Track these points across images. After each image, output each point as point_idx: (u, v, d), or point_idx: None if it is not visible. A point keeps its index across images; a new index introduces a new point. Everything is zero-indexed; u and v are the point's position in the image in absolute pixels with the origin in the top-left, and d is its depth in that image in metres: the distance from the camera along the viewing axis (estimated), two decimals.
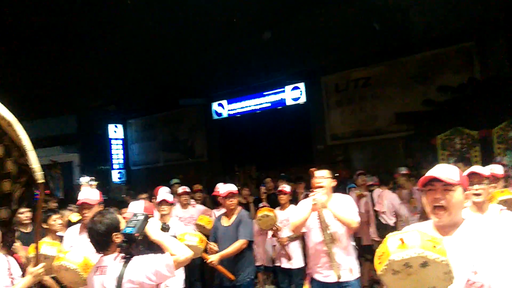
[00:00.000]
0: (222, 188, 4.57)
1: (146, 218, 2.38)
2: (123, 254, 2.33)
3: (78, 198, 3.79)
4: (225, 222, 4.50)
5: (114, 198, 8.85)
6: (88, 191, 4.04)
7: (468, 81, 8.98)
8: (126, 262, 2.28)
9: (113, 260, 2.35)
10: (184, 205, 6.33)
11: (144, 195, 6.28)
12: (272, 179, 7.98)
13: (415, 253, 1.46)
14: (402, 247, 1.47)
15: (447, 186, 1.82)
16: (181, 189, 6.47)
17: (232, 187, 4.54)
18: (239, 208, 4.64)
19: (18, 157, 2.88)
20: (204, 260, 4.26)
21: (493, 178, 3.00)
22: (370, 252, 6.16)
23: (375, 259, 1.60)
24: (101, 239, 2.39)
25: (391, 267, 1.49)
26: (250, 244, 4.37)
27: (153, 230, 2.34)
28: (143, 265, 2.24)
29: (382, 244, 1.58)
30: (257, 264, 6.42)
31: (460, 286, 1.72)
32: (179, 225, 4.97)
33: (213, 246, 4.35)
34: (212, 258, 4.15)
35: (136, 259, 2.28)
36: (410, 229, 1.68)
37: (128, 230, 2.28)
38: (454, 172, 1.88)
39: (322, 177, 3.76)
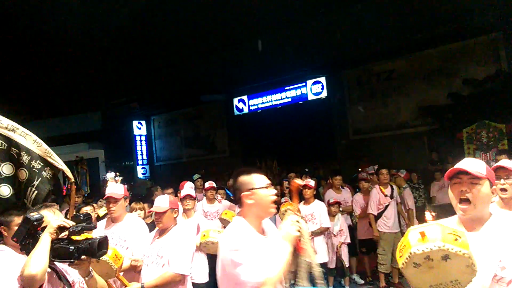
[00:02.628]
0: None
1: (26, 221, 2.14)
2: None
3: (106, 193, 3.89)
4: None
5: (139, 194, 9.00)
6: (114, 185, 4.14)
7: (495, 73, 8.74)
8: None
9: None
10: (211, 200, 6.37)
11: (169, 190, 6.37)
12: (296, 174, 7.97)
13: (436, 246, 1.45)
14: (423, 240, 1.47)
15: (474, 179, 1.80)
16: (207, 184, 6.52)
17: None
18: None
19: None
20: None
21: None
22: (366, 246, 6.35)
23: (397, 252, 1.60)
24: None
25: (412, 260, 1.48)
26: None
27: (44, 233, 2.11)
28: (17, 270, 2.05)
29: (403, 238, 1.58)
30: None
31: (487, 281, 1.70)
32: (203, 219, 5.04)
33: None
34: None
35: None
36: (432, 223, 1.66)
37: (14, 234, 2.14)
38: (481, 166, 1.85)
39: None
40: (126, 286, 3.07)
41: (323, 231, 5.60)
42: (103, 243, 2.15)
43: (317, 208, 5.63)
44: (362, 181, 6.71)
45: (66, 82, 12.48)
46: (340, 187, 6.84)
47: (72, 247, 2.09)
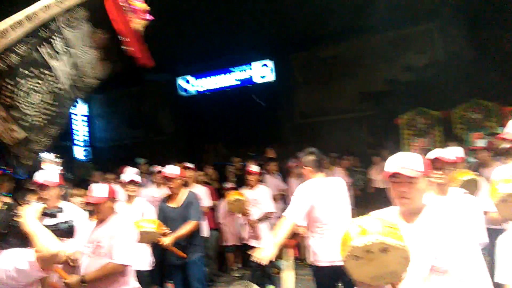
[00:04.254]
0: (171, 170, 4.50)
1: (10, 207, 2.11)
2: None
3: (36, 179, 3.59)
4: (172, 203, 4.49)
5: (79, 176, 8.58)
6: (46, 171, 3.84)
7: (431, 62, 9.17)
8: None
9: None
10: (160, 185, 6.22)
11: (111, 176, 6.12)
12: (241, 158, 7.98)
13: (376, 239, 1.51)
14: (363, 233, 1.51)
15: (412, 179, 1.86)
16: (156, 169, 6.35)
17: (170, 170, 4.50)
18: (186, 189, 4.64)
19: None
20: (157, 243, 4.25)
21: (457, 162, 3.09)
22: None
23: (340, 245, 1.63)
24: None
25: (353, 253, 1.53)
26: (198, 224, 4.47)
27: (26, 220, 2.07)
28: (6, 261, 2.00)
29: (344, 232, 1.61)
30: (228, 244, 6.50)
31: (424, 271, 1.79)
32: (147, 206, 4.91)
33: (165, 229, 4.31)
34: (165, 241, 4.14)
35: (2, 255, 2.03)
36: (371, 216, 1.72)
37: None
38: (417, 162, 1.91)
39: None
40: (65, 279, 2.93)
41: (267, 216, 5.68)
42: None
43: (261, 193, 5.70)
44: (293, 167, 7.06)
45: None
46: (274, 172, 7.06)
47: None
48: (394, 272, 1.56)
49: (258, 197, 5.68)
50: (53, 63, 2.68)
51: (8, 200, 2.22)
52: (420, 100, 8.59)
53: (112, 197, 3.25)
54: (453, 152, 3.23)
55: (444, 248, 1.77)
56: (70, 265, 3.22)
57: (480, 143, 4.99)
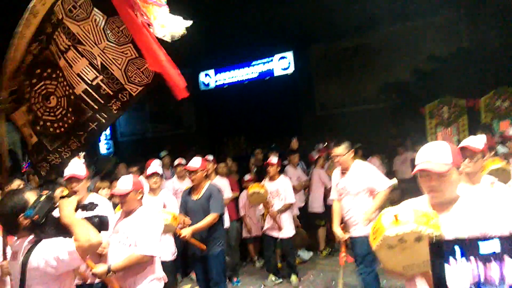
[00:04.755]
0: (194, 163, 4.46)
1: (50, 198, 2.17)
2: (32, 238, 2.15)
3: (65, 173, 3.70)
4: (194, 195, 4.49)
5: (102, 170, 8.75)
6: (74, 165, 3.94)
7: (456, 50, 8.95)
8: (33, 247, 2.09)
9: (22, 245, 2.15)
10: (181, 177, 6.28)
11: (134, 168, 6.21)
12: (262, 150, 7.99)
13: (409, 229, 1.48)
14: (397, 223, 1.49)
15: (438, 175, 1.80)
16: (177, 161, 6.41)
17: (192, 163, 4.44)
18: (208, 181, 4.64)
19: None
20: (177, 235, 4.27)
21: (485, 151, 3.00)
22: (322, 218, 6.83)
23: (370, 234, 1.61)
24: (7, 221, 2.20)
25: (386, 242, 1.51)
26: (220, 217, 4.41)
27: (64, 211, 2.15)
28: (46, 250, 2.05)
29: (376, 220, 1.59)
30: (250, 235, 6.54)
31: None
32: (171, 198, 4.97)
33: (186, 220, 4.35)
34: (185, 233, 4.14)
35: (41, 244, 2.09)
36: (405, 205, 1.68)
37: (28, 212, 2.11)
38: (446, 153, 1.83)
39: (339, 155, 4.30)
40: (92, 268, 2.99)
41: (287, 207, 5.68)
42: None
43: (282, 184, 5.69)
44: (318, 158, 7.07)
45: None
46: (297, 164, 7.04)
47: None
48: (428, 261, 1.53)
49: (279, 188, 5.68)
50: (60, 62, 2.51)
51: (48, 191, 2.29)
52: (445, 89, 8.41)
53: (137, 189, 3.30)
54: (481, 140, 3.13)
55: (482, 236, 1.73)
56: (97, 255, 3.30)
57: (510, 131, 4.84)
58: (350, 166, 4.31)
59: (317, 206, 6.93)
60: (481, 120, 7.73)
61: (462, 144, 2.92)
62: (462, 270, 0.75)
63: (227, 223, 5.76)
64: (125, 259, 3.07)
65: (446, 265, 0.80)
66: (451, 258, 0.76)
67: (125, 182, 3.30)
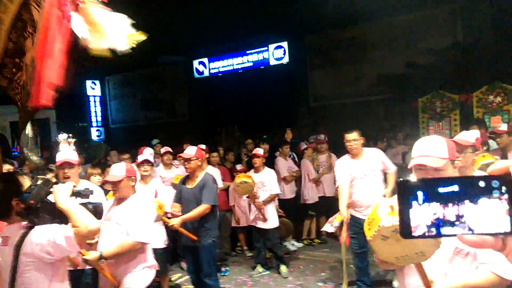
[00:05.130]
0: (188, 151, 4.42)
1: (47, 183, 2.13)
2: (25, 223, 2.11)
3: (58, 158, 3.68)
4: (189, 184, 4.45)
5: (94, 157, 8.70)
6: (67, 151, 3.94)
7: (451, 45, 8.98)
8: (26, 233, 2.05)
9: (15, 230, 2.11)
10: (167, 165, 6.27)
11: (126, 156, 6.19)
12: (254, 141, 8.01)
13: None
14: (392, 213, 1.49)
15: (437, 168, 1.82)
16: (163, 149, 6.39)
17: (188, 151, 4.42)
18: (203, 171, 4.60)
19: None
20: (166, 224, 4.26)
21: (476, 145, 3.03)
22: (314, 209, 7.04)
23: (365, 225, 1.62)
24: (1, 205, 2.14)
25: (381, 233, 1.51)
26: (213, 208, 4.36)
27: (60, 197, 2.08)
28: (41, 236, 2.01)
29: (372, 211, 1.60)
30: (240, 225, 6.56)
31: (448, 253, 1.77)
32: (161, 186, 4.97)
33: (175, 210, 4.32)
34: (173, 222, 4.13)
35: (36, 230, 2.05)
36: None
37: (23, 197, 2.05)
38: (442, 147, 1.85)
39: (354, 140, 4.50)
40: (84, 255, 2.98)
41: (273, 198, 5.74)
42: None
43: (267, 176, 5.74)
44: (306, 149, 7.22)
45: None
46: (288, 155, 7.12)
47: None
48: (422, 253, 1.54)
49: (264, 179, 5.72)
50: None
51: (44, 176, 2.25)
52: (440, 83, 8.45)
53: (130, 176, 3.28)
54: (472, 135, 3.17)
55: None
56: (88, 242, 3.29)
57: (503, 126, 4.88)
58: (362, 152, 4.62)
59: (308, 197, 7.00)
60: (473, 115, 7.79)
61: (454, 138, 2.95)
62: (424, 212, 0.89)
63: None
64: (117, 246, 3.06)
65: (409, 208, 0.93)
66: (414, 202, 0.88)
67: (118, 169, 3.28)
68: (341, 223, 4.51)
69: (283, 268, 5.80)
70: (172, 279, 5.78)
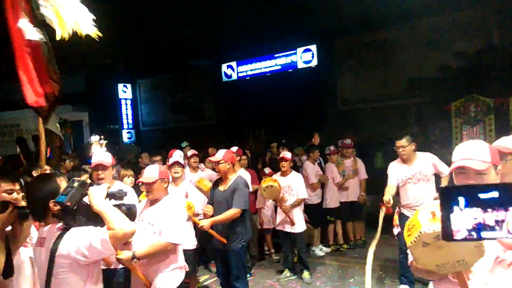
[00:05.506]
0: (217, 154, 4.46)
1: (83, 185, 2.14)
2: (61, 225, 2.11)
3: (92, 160, 3.81)
4: (221, 186, 4.47)
5: (124, 159, 8.90)
6: (101, 152, 4.05)
7: (485, 48, 8.71)
8: (62, 234, 2.05)
9: (51, 232, 2.11)
10: (194, 168, 6.34)
11: (158, 157, 6.30)
12: (276, 144, 8.04)
13: None
14: (434, 220, 1.46)
15: (479, 171, 1.77)
16: (190, 152, 6.47)
17: (218, 154, 4.44)
18: (235, 173, 4.60)
19: None
20: (196, 225, 4.29)
21: None
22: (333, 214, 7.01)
23: (404, 231, 1.59)
24: (38, 207, 2.14)
25: (421, 240, 1.48)
26: (243, 212, 4.35)
27: (95, 199, 2.10)
28: (77, 238, 2.01)
29: (412, 217, 1.57)
30: (267, 227, 6.57)
31: (489, 262, 1.72)
32: (192, 188, 5.03)
33: (207, 210, 4.36)
34: (203, 223, 4.15)
35: (71, 232, 2.05)
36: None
37: (60, 198, 2.05)
38: (485, 151, 1.81)
39: (402, 146, 4.71)
40: (117, 254, 3.05)
41: (299, 202, 5.70)
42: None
43: (294, 180, 5.70)
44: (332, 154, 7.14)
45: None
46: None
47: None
48: (464, 261, 1.50)
49: (291, 183, 5.69)
50: None
51: (80, 178, 2.30)
52: (473, 87, 8.21)
53: (163, 178, 3.35)
54: None
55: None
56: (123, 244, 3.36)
57: None
58: (414, 156, 4.79)
59: (330, 201, 6.95)
60: (509, 120, 7.53)
61: (493, 144, 2.85)
62: (465, 216, 0.97)
63: None
64: (149, 246, 3.12)
65: (451, 212, 0.99)
66: (455, 207, 0.97)
67: (152, 171, 3.35)
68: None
69: (305, 274, 5.76)
70: (200, 280, 5.84)
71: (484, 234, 1.00)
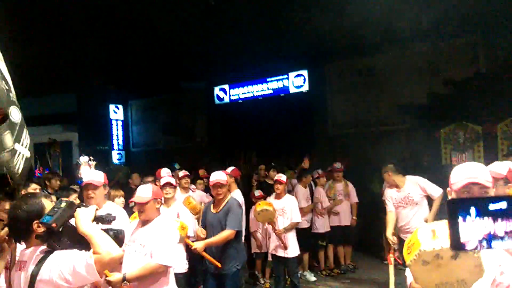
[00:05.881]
0: (212, 177, 4.40)
1: (71, 206, 2.03)
2: (44, 248, 1.99)
3: (83, 180, 3.77)
4: (214, 209, 4.40)
5: (113, 179, 8.79)
6: (93, 172, 4.01)
7: (473, 75, 8.92)
8: (44, 258, 1.93)
9: (32, 255, 1.98)
10: (185, 189, 6.29)
11: (150, 178, 6.25)
12: (265, 167, 8.04)
13: (447, 244, 1.44)
14: (434, 238, 1.46)
15: (484, 189, 1.82)
16: (181, 173, 6.45)
17: (221, 176, 4.37)
18: (229, 195, 4.56)
19: None
20: (189, 247, 4.21)
21: (510, 177, 2.97)
22: (324, 238, 6.99)
23: (404, 249, 1.59)
24: (20, 227, 2.00)
25: (421, 258, 1.48)
26: (237, 234, 4.30)
27: (82, 221, 1.99)
28: (60, 262, 1.89)
29: (412, 235, 1.57)
30: (258, 251, 6.48)
31: (486, 285, 1.72)
32: (183, 209, 4.96)
33: (200, 232, 4.29)
34: (197, 245, 4.06)
35: (55, 255, 1.93)
36: (442, 221, 1.67)
37: (45, 219, 1.93)
38: (487, 172, 1.88)
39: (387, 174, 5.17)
40: (107, 276, 2.98)
41: (293, 226, 5.64)
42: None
43: (288, 203, 5.66)
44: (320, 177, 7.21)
45: (41, 61, 12.03)
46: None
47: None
48: (463, 281, 1.50)
49: (285, 206, 5.65)
50: None
51: (68, 199, 2.23)
52: (461, 114, 8.36)
53: (156, 198, 3.32)
54: (505, 167, 3.10)
55: (510, 263, 1.70)
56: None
57: None
58: (403, 181, 4.98)
59: (319, 226, 6.92)
60: (497, 147, 7.65)
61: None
62: (476, 226, 1.01)
63: None
64: (140, 268, 3.06)
65: (461, 222, 1.02)
66: (467, 217, 1.01)
67: (145, 191, 3.32)
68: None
69: None
70: None
71: (494, 244, 1.04)
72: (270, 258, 6.16)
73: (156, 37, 10.60)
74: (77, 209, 2.04)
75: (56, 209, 1.97)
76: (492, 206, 1.02)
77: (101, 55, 11.72)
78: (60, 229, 1.95)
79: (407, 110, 9.74)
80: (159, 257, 3.07)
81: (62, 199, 2.11)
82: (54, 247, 1.95)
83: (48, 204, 2.06)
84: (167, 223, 3.34)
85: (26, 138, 2.94)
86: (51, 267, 1.87)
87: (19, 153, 2.88)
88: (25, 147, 2.94)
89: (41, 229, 1.94)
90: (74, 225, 2.01)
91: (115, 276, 3.02)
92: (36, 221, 1.96)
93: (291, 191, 6.95)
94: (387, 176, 5.07)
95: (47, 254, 1.93)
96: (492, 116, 7.97)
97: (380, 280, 5.95)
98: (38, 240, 1.98)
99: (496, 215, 1.00)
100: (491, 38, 8.78)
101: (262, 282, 6.66)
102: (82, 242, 1.97)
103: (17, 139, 2.86)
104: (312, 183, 7.39)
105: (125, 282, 3.02)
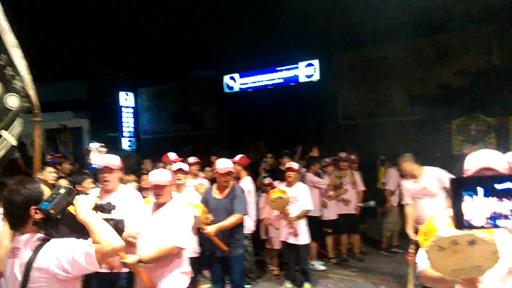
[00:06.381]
0: (220, 165, 4.44)
1: (70, 192, 1.92)
2: (41, 235, 1.88)
3: (95, 165, 3.81)
4: (217, 194, 4.47)
5: (128, 166, 8.86)
6: (109, 156, 4.03)
7: (486, 66, 8.82)
8: (40, 245, 1.82)
9: (28, 242, 1.86)
10: (194, 175, 6.34)
11: (161, 164, 6.30)
12: (272, 155, 8.06)
13: (464, 231, 1.46)
14: (451, 224, 1.48)
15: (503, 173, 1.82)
16: (192, 159, 6.48)
17: (231, 164, 4.47)
18: (232, 182, 4.63)
19: None
20: (200, 230, 4.26)
21: None
22: (330, 226, 6.96)
23: (420, 235, 1.61)
24: (17, 213, 1.88)
25: (438, 244, 1.50)
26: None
27: (82, 209, 1.90)
28: (58, 251, 1.79)
29: (427, 221, 1.59)
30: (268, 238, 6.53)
31: (501, 272, 1.74)
32: (194, 194, 5.02)
33: (210, 217, 4.32)
34: (209, 229, 4.12)
35: (52, 243, 1.83)
36: None
37: (43, 205, 1.83)
38: (502, 159, 1.87)
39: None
40: (123, 258, 3.05)
41: (305, 214, 5.66)
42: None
43: (300, 191, 5.68)
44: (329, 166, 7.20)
45: (52, 48, 12.10)
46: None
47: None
48: (479, 267, 1.51)
49: (296, 194, 5.67)
50: None
51: (67, 184, 2.16)
52: (474, 105, 8.28)
53: (173, 182, 3.37)
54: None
55: None
56: (128, 245, 3.35)
57: None
58: (420, 172, 4.83)
59: (326, 214, 6.95)
60: (509, 140, 7.60)
61: None
62: (483, 205, 1.03)
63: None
64: (155, 250, 3.12)
65: (468, 201, 1.05)
66: (474, 196, 1.03)
67: (164, 175, 3.37)
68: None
69: (306, 285, 5.74)
70: None
71: (499, 222, 1.06)
72: (278, 246, 6.20)
73: (167, 26, 10.59)
74: (77, 197, 1.97)
75: (54, 195, 1.87)
76: (499, 186, 1.04)
77: (112, 43, 11.76)
78: (59, 216, 1.85)
79: (418, 101, 9.67)
80: (174, 239, 3.13)
81: (62, 185, 2.01)
82: (52, 234, 1.86)
83: (46, 190, 1.96)
84: (181, 206, 3.39)
85: (17, 127, 2.97)
86: (49, 256, 1.79)
87: (3, 139, 2.91)
88: (13, 136, 2.97)
89: (39, 216, 1.85)
90: (74, 213, 1.92)
91: (131, 258, 3.08)
92: (33, 207, 1.86)
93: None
94: (405, 166, 4.92)
95: (44, 241, 1.85)
96: (504, 108, 7.89)
97: (386, 270, 5.99)
98: (34, 227, 1.88)
99: (502, 194, 1.02)
100: (504, 29, 8.65)
101: (271, 269, 6.73)
102: (81, 231, 1.88)
103: (5, 126, 2.90)
104: (320, 171, 7.41)
105: (140, 263, 3.08)
